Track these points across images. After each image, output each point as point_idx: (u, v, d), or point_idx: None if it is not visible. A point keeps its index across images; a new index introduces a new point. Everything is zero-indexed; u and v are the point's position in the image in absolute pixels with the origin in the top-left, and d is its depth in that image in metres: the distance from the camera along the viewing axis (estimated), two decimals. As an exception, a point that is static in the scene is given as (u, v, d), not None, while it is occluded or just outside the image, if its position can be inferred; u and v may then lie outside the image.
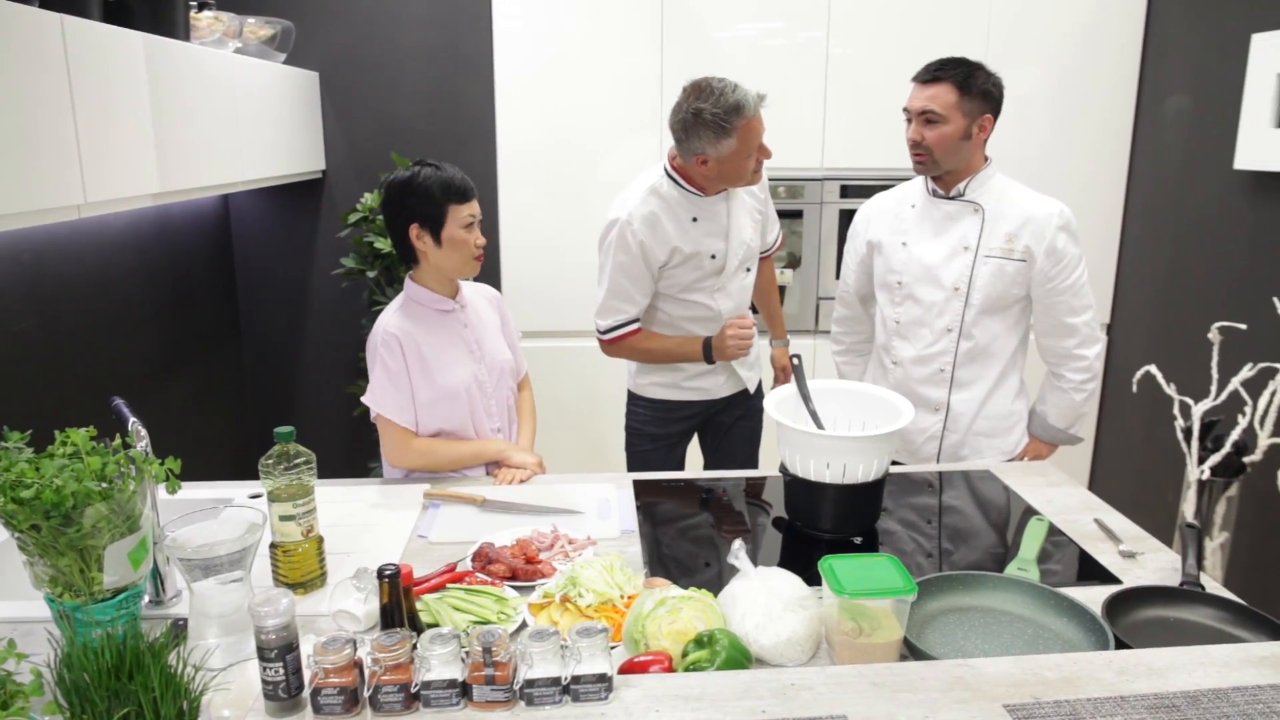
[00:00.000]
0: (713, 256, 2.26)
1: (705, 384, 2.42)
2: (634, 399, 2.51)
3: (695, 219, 2.23)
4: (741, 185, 2.22)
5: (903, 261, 2.23)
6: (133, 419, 1.52)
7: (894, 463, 2.37)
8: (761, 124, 2.10)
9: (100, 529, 1.19)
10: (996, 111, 2.11)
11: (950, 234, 2.18)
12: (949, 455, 2.28)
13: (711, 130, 2.05)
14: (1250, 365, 2.22)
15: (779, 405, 1.85)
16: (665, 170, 2.23)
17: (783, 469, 1.80)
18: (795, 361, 2.05)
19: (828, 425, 1.92)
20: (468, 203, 1.97)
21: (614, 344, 2.34)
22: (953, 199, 2.17)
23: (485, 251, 2.03)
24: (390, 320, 2.00)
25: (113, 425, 1.48)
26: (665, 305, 2.34)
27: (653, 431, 2.48)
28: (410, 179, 1.95)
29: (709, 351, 2.31)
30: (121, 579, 1.23)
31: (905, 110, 2.14)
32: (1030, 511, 1.85)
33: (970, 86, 2.07)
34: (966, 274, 2.16)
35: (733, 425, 2.52)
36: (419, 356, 1.99)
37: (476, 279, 2.17)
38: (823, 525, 1.75)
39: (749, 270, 2.38)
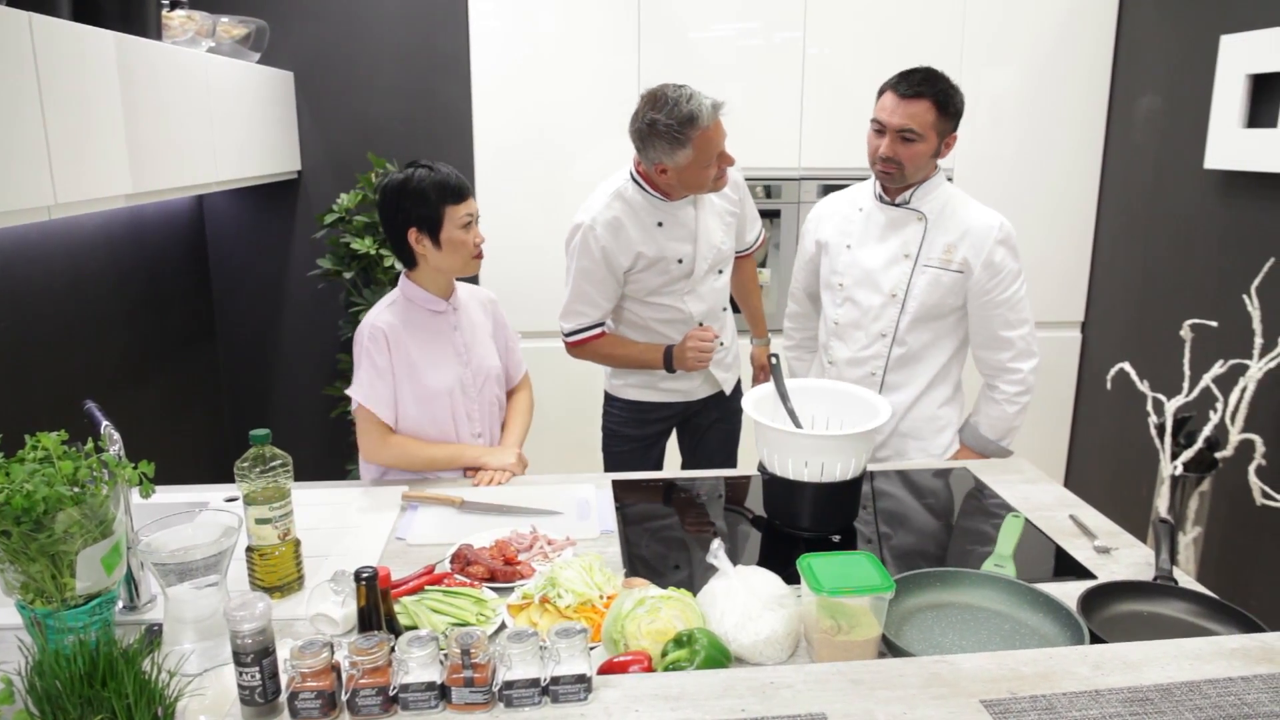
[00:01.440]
0: (679, 260, 2.26)
1: (681, 386, 2.42)
2: (610, 400, 2.51)
3: (660, 223, 2.22)
4: (704, 193, 2.22)
5: (845, 264, 2.25)
6: (105, 422, 1.50)
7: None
8: (720, 132, 2.09)
9: (72, 534, 1.18)
10: (958, 128, 2.14)
11: (892, 240, 2.19)
12: (873, 456, 2.28)
13: (666, 141, 2.04)
14: (1221, 362, 2.26)
15: (757, 404, 1.86)
16: (631, 174, 2.22)
17: (761, 468, 1.81)
18: (774, 360, 2.06)
19: (806, 424, 1.93)
20: (464, 202, 1.95)
21: (577, 347, 2.35)
22: (898, 206, 2.18)
23: None
24: (381, 316, 1.99)
25: (85, 429, 1.46)
26: (634, 307, 2.34)
27: (629, 432, 2.48)
28: (404, 181, 1.93)
29: (669, 360, 2.31)
30: (94, 585, 1.22)
31: (877, 121, 2.11)
32: (1006, 508, 1.86)
33: (948, 106, 2.07)
34: (904, 281, 2.17)
35: (710, 427, 2.52)
36: (405, 355, 1.98)
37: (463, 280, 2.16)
38: (801, 524, 1.76)
39: (721, 272, 2.36)
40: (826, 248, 2.31)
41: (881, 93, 2.13)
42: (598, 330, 2.32)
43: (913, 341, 2.20)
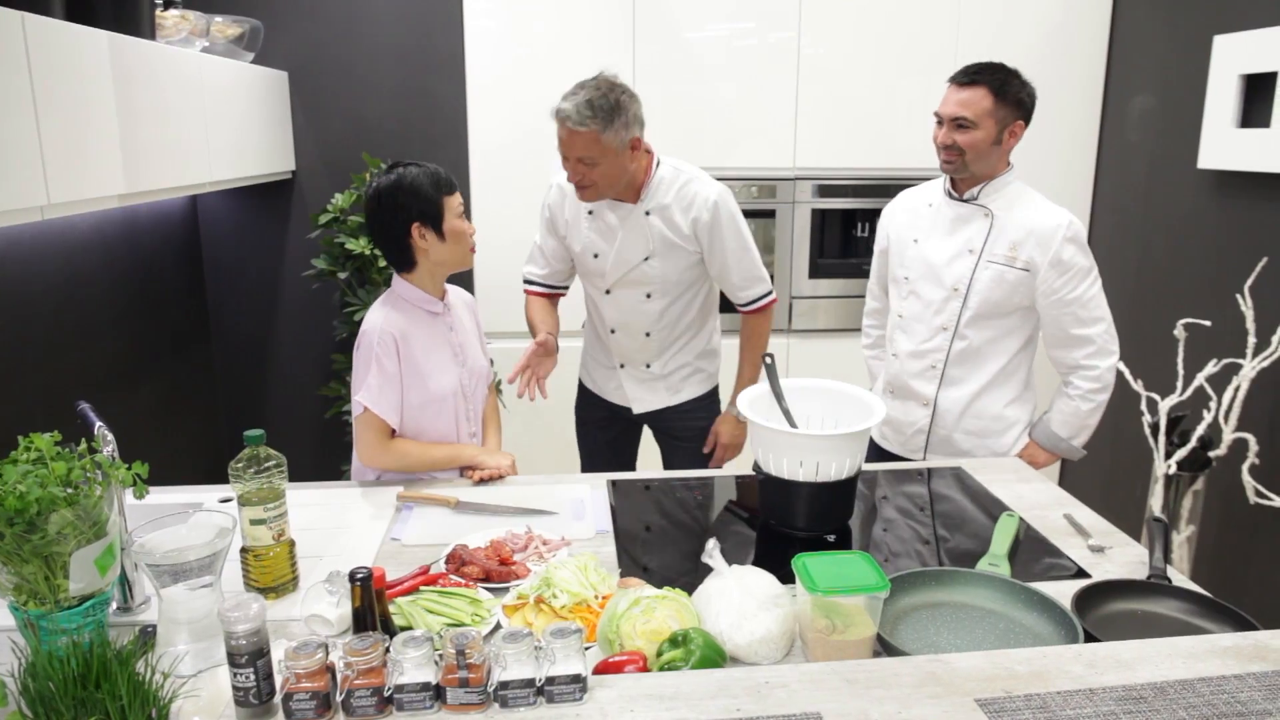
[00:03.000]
0: (595, 255, 2.30)
1: (605, 384, 2.49)
2: (579, 384, 2.61)
3: (590, 212, 2.29)
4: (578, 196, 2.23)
5: (912, 258, 2.27)
6: (99, 423, 1.50)
7: (886, 453, 2.39)
8: (563, 136, 2.10)
9: (66, 535, 1.17)
10: (1028, 119, 2.12)
11: (958, 235, 2.20)
12: (937, 449, 2.31)
13: None
14: (1215, 361, 2.27)
15: (752, 404, 1.86)
16: None
17: (756, 467, 1.81)
18: (768, 360, 2.06)
19: (801, 424, 1.93)
20: (456, 192, 1.99)
21: (527, 298, 2.46)
22: (965, 201, 2.19)
23: None
24: (387, 319, 1.96)
25: (78, 430, 1.45)
26: (584, 285, 2.43)
27: (586, 418, 2.58)
28: (399, 180, 1.92)
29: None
30: (88, 586, 1.22)
31: (936, 114, 2.15)
32: (1001, 507, 1.87)
33: (1005, 93, 2.07)
34: (967, 276, 2.17)
35: (680, 434, 2.49)
36: (411, 359, 1.97)
37: (462, 281, 2.17)
38: (797, 523, 1.76)
39: (649, 297, 2.30)
40: (896, 241, 2.34)
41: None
42: (539, 289, 2.44)
43: (974, 336, 2.20)
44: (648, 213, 2.24)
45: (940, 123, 2.14)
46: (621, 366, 2.44)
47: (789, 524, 1.77)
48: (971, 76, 2.09)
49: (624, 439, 2.56)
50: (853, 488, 1.77)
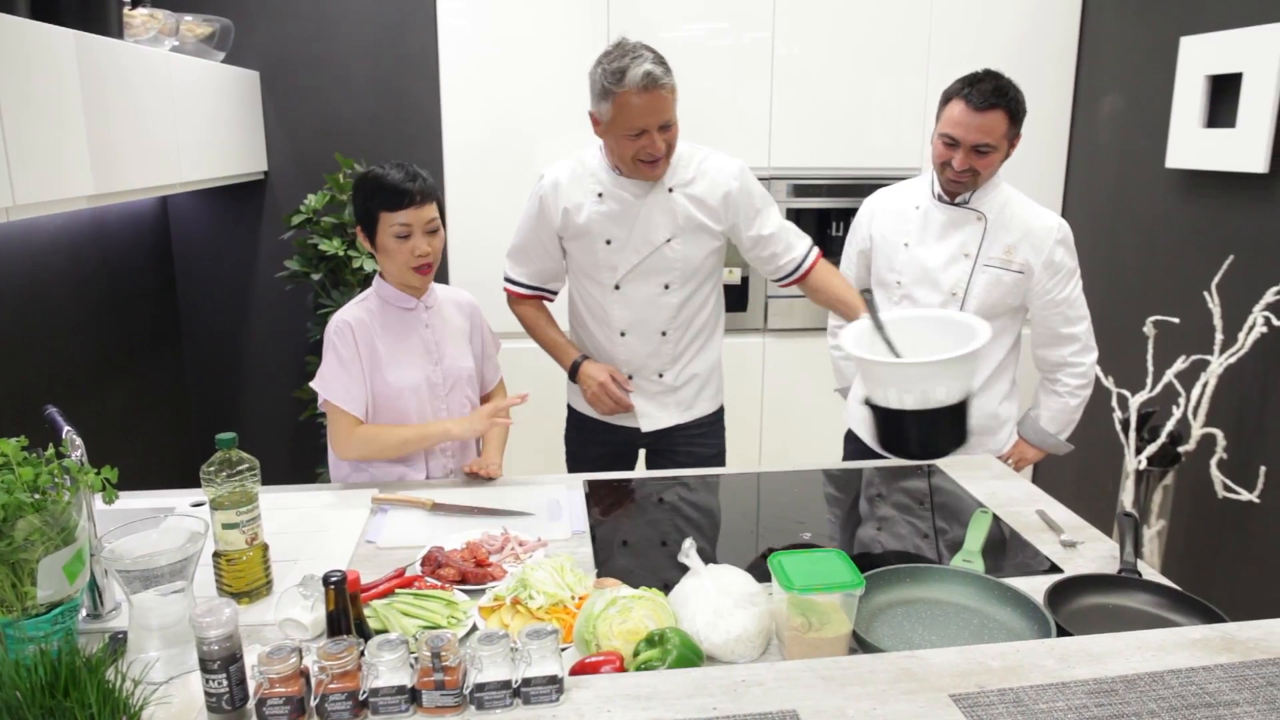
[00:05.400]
0: (608, 241, 2.13)
1: (616, 415, 2.26)
2: (570, 412, 2.42)
3: (600, 194, 2.12)
4: (630, 172, 2.08)
5: (904, 262, 2.26)
6: (67, 428, 1.48)
7: (880, 455, 2.37)
8: (648, 109, 1.95)
9: (33, 542, 1.16)
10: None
11: (952, 240, 2.20)
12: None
13: (597, 88, 1.99)
14: (1183, 358, 2.30)
15: (856, 339, 1.83)
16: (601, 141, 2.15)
17: (868, 402, 1.78)
18: (868, 295, 1.98)
19: (905, 354, 1.85)
20: (401, 210, 1.89)
21: (511, 300, 2.32)
22: (957, 205, 2.20)
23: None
24: (347, 310, 1.99)
25: (46, 435, 1.43)
26: (575, 288, 2.27)
27: (578, 451, 2.40)
28: (362, 177, 1.95)
29: (575, 370, 2.24)
30: (56, 593, 1.20)
31: (949, 135, 2.09)
32: (975, 504, 1.88)
33: (1019, 113, 2.08)
34: (964, 280, 2.19)
35: (684, 460, 2.31)
36: (371, 349, 1.97)
37: (438, 279, 2.12)
38: (911, 450, 1.78)
39: (667, 288, 2.16)
40: (881, 243, 2.32)
41: (947, 100, 2.11)
42: (523, 290, 2.28)
43: None
44: (670, 189, 2.11)
45: (952, 144, 2.09)
46: (630, 378, 2.24)
47: (905, 451, 1.79)
48: (990, 100, 2.04)
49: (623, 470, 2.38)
50: (964, 411, 1.73)
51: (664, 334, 2.21)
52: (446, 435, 2.01)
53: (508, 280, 2.31)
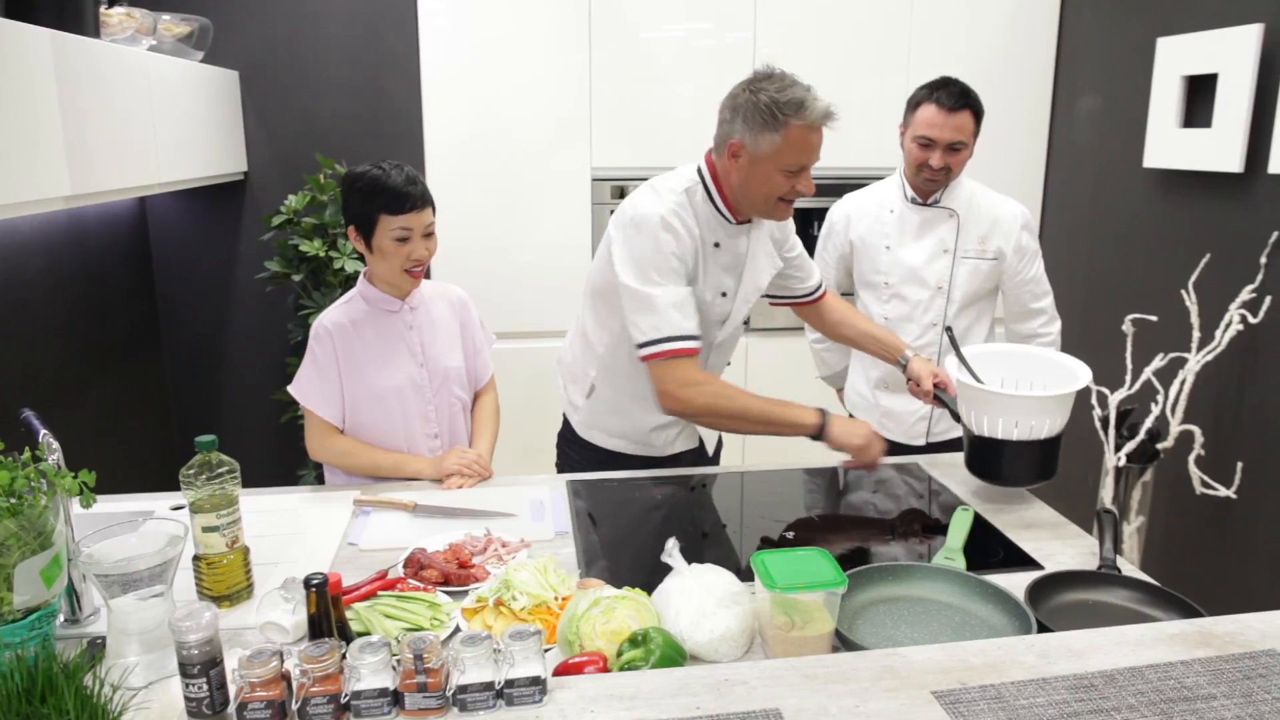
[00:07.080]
0: (723, 294, 1.97)
1: (656, 439, 2.11)
2: (570, 442, 2.20)
3: (717, 244, 1.92)
4: (763, 211, 1.90)
5: (888, 263, 2.41)
6: (43, 431, 1.46)
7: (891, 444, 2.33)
8: (816, 143, 1.81)
9: (9, 547, 1.14)
10: None
11: (929, 238, 2.37)
12: (938, 433, 2.47)
13: (760, 116, 1.77)
14: (1161, 355, 2.32)
15: (959, 368, 1.91)
16: (700, 173, 1.93)
17: (964, 430, 1.88)
18: (950, 332, 2.02)
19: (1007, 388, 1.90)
20: (402, 214, 1.90)
21: (661, 359, 1.86)
22: (929, 205, 2.35)
23: None
24: (330, 313, 1.99)
25: (22, 439, 1.42)
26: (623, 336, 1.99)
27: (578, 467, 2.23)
28: (357, 177, 1.93)
29: (823, 430, 1.92)
30: (33, 598, 1.18)
31: (925, 136, 2.24)
32: (957, 502, 1.89)
33: (981, 114, 2.26)
34: (947, 274, 2.37)
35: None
36: (350, 354, 1.96)
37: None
38: (1002, 476, 1.86)
39: (746, 323, 2.15)
40: (861, 247, 2.45)
41: (916, 104, 2.28)
42: (694, 344, 1.87)
43: (959, 326, 2.39)
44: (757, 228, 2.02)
45: (928, 145, 2.24)
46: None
47: (995, 478, 1.87)
48: (960, 101, 2.22)
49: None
50: (1057, 445, 1.83)
51: (729, 364, 2.22)
52: (418, 475, 2.00)
53: (686, 338, 1.86)
